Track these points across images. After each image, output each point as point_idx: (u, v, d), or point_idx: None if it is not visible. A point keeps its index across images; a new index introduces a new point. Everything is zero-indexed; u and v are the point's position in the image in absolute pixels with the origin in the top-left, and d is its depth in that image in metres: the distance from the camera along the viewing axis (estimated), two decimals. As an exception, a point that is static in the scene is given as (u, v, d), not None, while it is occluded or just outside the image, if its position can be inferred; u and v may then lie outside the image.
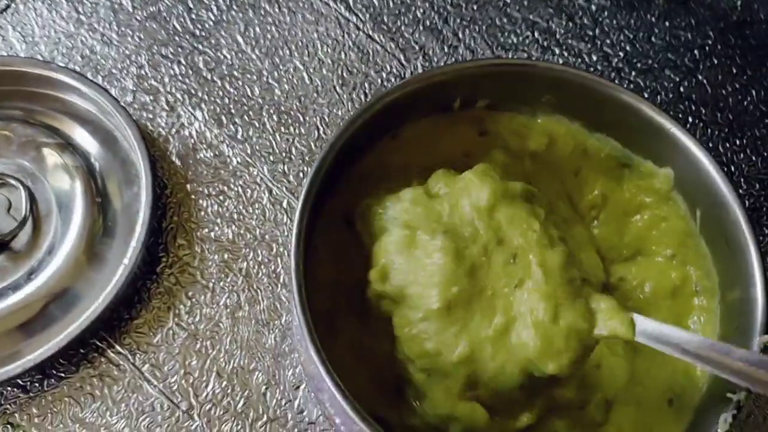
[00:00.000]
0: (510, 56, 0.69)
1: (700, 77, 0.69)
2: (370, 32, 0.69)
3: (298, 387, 0.54)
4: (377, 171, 0.51)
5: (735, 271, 0.45)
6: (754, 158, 0.65)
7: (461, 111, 0.54)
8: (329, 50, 0.68)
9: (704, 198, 0.48)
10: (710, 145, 0.65)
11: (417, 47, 0.69)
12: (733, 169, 0.65)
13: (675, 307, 0.49)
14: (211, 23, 0.69)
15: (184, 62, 0.67)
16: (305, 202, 0.44)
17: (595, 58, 0.69)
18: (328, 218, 0.49)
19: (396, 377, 0.46)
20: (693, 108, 0.67)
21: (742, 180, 0.64)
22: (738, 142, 0.66)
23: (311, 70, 0.67)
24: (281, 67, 0.67)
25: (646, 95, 0.67)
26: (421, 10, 0.70)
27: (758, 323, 0.42)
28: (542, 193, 0.49)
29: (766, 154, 0.65)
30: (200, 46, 0.67)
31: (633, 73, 0.68)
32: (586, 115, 0.52)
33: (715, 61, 0.69)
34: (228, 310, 0.57)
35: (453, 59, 0.68)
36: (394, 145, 0.53)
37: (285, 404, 0.54)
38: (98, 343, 0.55)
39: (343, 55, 0.68)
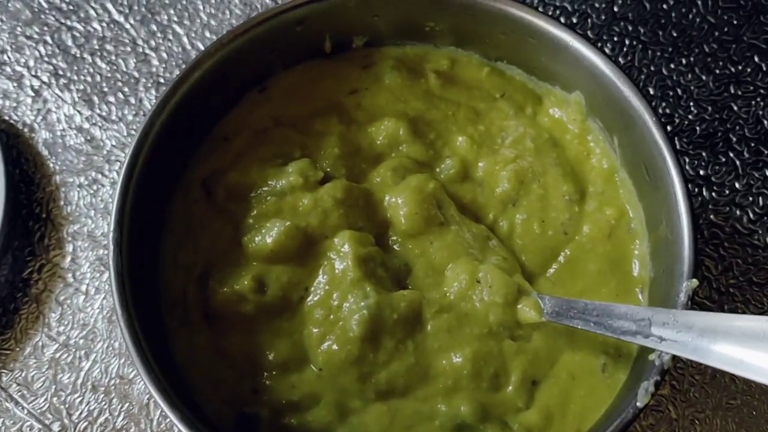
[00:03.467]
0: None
1: (636, -8, 0.60)
2: (258, -16, 0.61)
3: (185, 393, 0.47)
4: (243, 130, 0.44)
5: (659, 204, 0.37)
6: (704, 77, 0.56)
7: (337, 54, 0.46)
8: (212, 9, 0.60)
9: (618, 121, 0.40)
10: (652, 68, 0.56)
11: None
12: (680, 92, 0.56)
13: (613, 252, 0.41)
14: (80, -6, 0.61)
15: (50, 41, 0.59)
16: (131, 166, 0.37)
17: (514, -16, 0.60)
18: (185, 187, 0.42)
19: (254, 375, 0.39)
20: (630, 29, 0.58)
21: (691, 104, 0.55)
22: (684, 61, 0.57)
23: (192, 35, 0.59)
24: (158, 34, 0.59)
25: (574, 20, 0.58)
26: (316, -46, 0.62)
27: (685, 265, 0.34)
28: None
29: (717, 71, 0.56)
30: (68, 21, 0.60)
31: (558, -3, 0.59)
32: (481, 42, 0.44)
33: (653, -27, 0.60)
34: (104, 313, 0.50)
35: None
36: (262, 98, 0.45)
37: (171, 415, 0.47)
38: (-42, 365, 0.48)
39: (227, 14, 0.60)
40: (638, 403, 0.32)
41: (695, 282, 0.34)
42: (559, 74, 0.43)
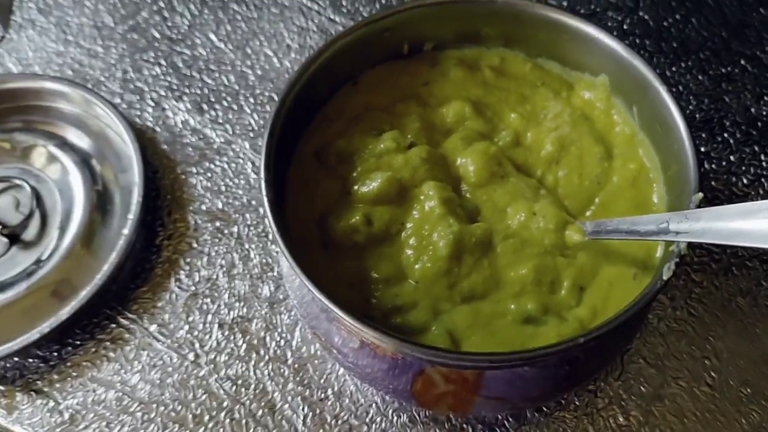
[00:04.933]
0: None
1: (641, 14, 0.73)
2: (331, 15, 0.75)
3: (294, 328, 0.58)
4: (342, 113, 0.56)
5: (670, 149, 0.49)
6: (700, 77, 0.69)
7: (411, 56, 0.59)
8: (295, 36, 0.74)
9: (637, 93, 0.52)
10: (657, 71, 0.69)
11: (376, 23, 0.74)
12: (681, 88, 0.69)
13: (637, 196, 0.53)
14: (186, 27, 0.75)
15: (164, 63, 0.73)
16: (270, 137, 0.49)
17: (540, 10, 0.74)
18: (300, 157, 0.54)
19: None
20: (638, 41, 0.72)
21: (691, 97, 0.68)
22: (683, 64, 0.70)
23: (280, 56, 0.73)
24: (252, 56, 0.73)
25: (592, 36, 0.71)
26: (376, -9, 0.77)
27: (692, 185, 0.46)
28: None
29: (711, 72, 0.69)
30: (177, 48, 0.74)
31: (577, 18, 0.73)
32: (525, 42, 0.57)
33: (653, -3, 0.74)
34: (224, 269, 0.61)
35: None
36: (355, 90, 0.58)
37: (284, 344, 0.58)
38: (108, 312, 0.60)
39: (308, 39, 0.74)
40: (663, 277, 0.43)
41: (700, 194, 0.45)
42: (587, 63, 0.55)
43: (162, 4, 0.77)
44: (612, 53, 0.53)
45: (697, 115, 0.67)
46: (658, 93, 0.50)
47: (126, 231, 0.60)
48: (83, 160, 0.66)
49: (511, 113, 0.56)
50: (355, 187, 0.52)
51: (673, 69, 0.70)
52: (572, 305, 0.49)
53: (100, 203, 0.64)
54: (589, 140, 0.55)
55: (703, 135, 0.66)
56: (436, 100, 0.57)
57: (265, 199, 0.46)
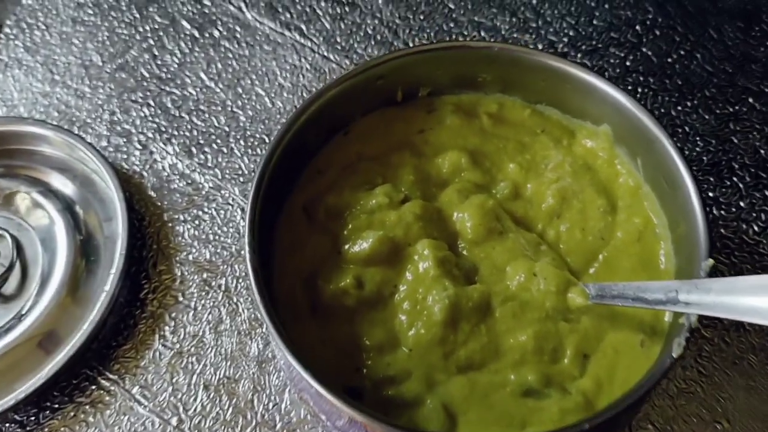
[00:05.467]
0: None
1: (644, 50, 0.71)
2: (325, 53, 0.73)
3: (283, 390, 0.55)
4: (333, 165, 0.54)
5: (678, 207, 0.47)
6: (707, 116, 0.67)
7: (406, 103, 0.56)
8: (288, 75, 0.72)
9: (641, 145, 0.50)
10: (662, 110, 0.67)
11: (370, 61, 0.72)
12: (687, 129, 0.66)
13: (643, 252, 0.50)
14: (176, 66, 0.73)
15: (152, 104, 0.71)
16: (256, 193, 0.47)
17: (540, 46, 0.72)
18: (288, 211, 0.52)
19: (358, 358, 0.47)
20: (641, 79, 0.69)
21: (698, 138, 0.65)
22: (689, 103, 0.67)
23: (273, 95, 0.70)
24: (244, 96, 0.71)
25: (594, 74, 0.69)
26: (372, 27, 0.74)
27: (702, 250, 0.43)
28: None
29: (718, 111, 0.67)
30: (167, 88, 0.71)
31: (579, 55, 0.71)
32: (523, 88, 0.55)
33: (658, 33, 0.71)
34: (210, 325, 0.59)
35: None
36: (347, 140, 0.55)
37: (272, 408, 0.55)
38: (89, 372, 0.57)
39: (301, 78, 0.72)
40: (673, 354, 0.40)
41: (711, 261, 0.42)
42: (589, 112, 0.53)
43: (152, 42, 0.75)
44: (615, 104, 0.50)
45: (705, 158, 0.64)
46: (664, 147, 0.47)
47: (107, 287, 0.58)
48: (67, 207, 0.64)
49: (509, 163, 0.54)
50: (346, 247, 0.49)
51: (678, 108, 0.67)
52: (576, 376, 0.46)
53: (84, 253, 0.62)
54: (591, 192, 0.52)
55: (711, 179, 0.63)
56: (431, 149, 0.55)
57: (249, 267, 0.44)
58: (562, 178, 0.53)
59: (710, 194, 0.62)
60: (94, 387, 0.57)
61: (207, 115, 0.69)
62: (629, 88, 0.68)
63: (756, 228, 0.61)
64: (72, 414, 0.56)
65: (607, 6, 0.74)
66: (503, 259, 0.49)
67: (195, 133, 0.69)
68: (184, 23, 0.75)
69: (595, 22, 0.73)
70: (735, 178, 0.63)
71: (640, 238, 0.50)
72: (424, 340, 0.46)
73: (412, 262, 0.48)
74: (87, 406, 0.56)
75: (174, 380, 0.57)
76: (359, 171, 0.53)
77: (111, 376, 0.57)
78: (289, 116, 0.50)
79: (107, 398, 0.56)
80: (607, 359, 0.46)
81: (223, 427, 0.54)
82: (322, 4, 0.76)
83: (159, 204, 0.65)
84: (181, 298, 0.60)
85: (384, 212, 0.50)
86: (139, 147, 0.68)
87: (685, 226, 0.46)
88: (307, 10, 0.75)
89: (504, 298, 0.48)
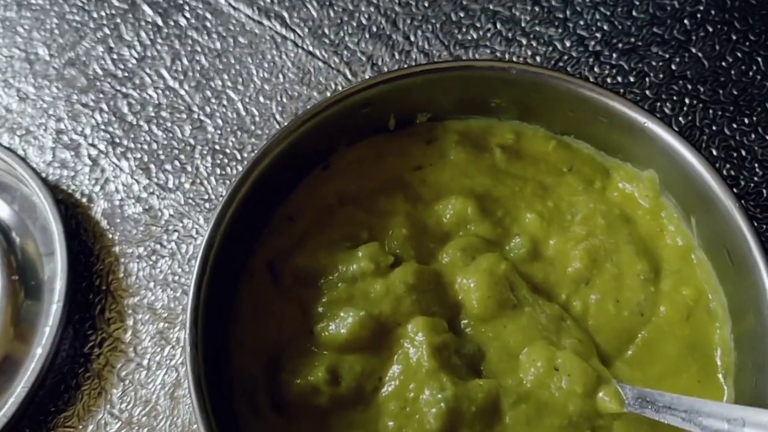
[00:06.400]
0: (471, 56, 0.60)
1: (693, 50, 0.59)
2: (310, 48, 0.61)
3: (250, 474, 0.47)
4: (307, 209, 0.44)
5: (745, 292, 0.36)
6: (768, 137, 0.55)
7: (400, 130, 0.46)
8: (265, 74, 0.60)
9: (698, 203, 0.39)
10: (714, 128, 0.55)
11: (364, 58, 0.61)
12: (744, 153, 0.55)
13: (693, 335, 0.40)
14: (134, 61, 0.62)
15: (106, 108, 0.60)
16: (206, 253, 0.37)
17: (568, 44, 0.60)
18: (251, 269, 0.42)
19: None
20: (689, 87, 0.57)
21: (756, 165, 0.54)
22: (747, 120, 0.56)
23: (247, 101, 0.59)
24: (213, 100, 0.60)
25: (632, 79, 0.57)
26: (366, 16, 0.62)
27: (779, 363, 0.33)
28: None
29: (782, 130, 0.55)
30: (123, 89, 0.61)
31: (614, 56, 0.59)
32: (547, 116, 0.44)
33: (710, 29, 0.59)
34: (166, 389, 0.49)
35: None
36: (326, 175, 0.45)
37: (235, 496, 0.46)
38: (22, 444, 0.48)
39: (281, 78, 0.60)
40: None
41: (793, 382, 0.33)
42: (631, 151, 0.42)
43: (107, 31, 0.63)
44: (666, 148, 0.39)
45: (765, 190, 0.53)
46: (730, 215, 0.36)
47: (43, 339, 0.49)
48: (5, 239, 0.54)
49: (527, 212, 0.43)
50: (319, 327, 0.39)
51: (733, 126, 0.55)
52: None
53: (22, 297, 0.53)
54: (629, 252, 0.42)
55: (772, 218, 0.52)
56: (430, 192, 0.44)
57: (190, 373, 0.34)
58: (592, 233, 0.42)
59: (770, 237, 0.51)
60: (28, 463, 0.48)
61: (169, 124, 0.59)
62: (674, 98, 0.56)
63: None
64: (2, 496, 0.47)
65: (649, -7, 0.61)
66: (517, 341, 0.39)
67: (154, 146, 0.58)
68: (146, 8, 0.64)
69: (634, 13, 0.61)
70: (801, 217, 0.52)
71: (689, 316, 0.40)
72: None
73: (402, 348, 0.39)
74: (20, 487, 0.47)
75: (122, 458, 0.48)
76: (339, 220, 0.43)
77: (48, 451, 0.48)
78: (252, 157, 0.40)
79: (43, 478, 0.48)
80: (645, 483, 0.37)
81: None
82: (309, -14, 0.64)
83: (110, 235, 0.55)
84: (132, 355, 0.51)
85: (368, 281, 0.40)
86: (89, 162, 0.58)
87: (754, 320, 0.35)
88: (291, -7, 0.64)
89: (516, 399, 0.38)
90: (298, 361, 0.39)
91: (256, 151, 0.41)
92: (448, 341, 0.39)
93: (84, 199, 0.56)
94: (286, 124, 0.42)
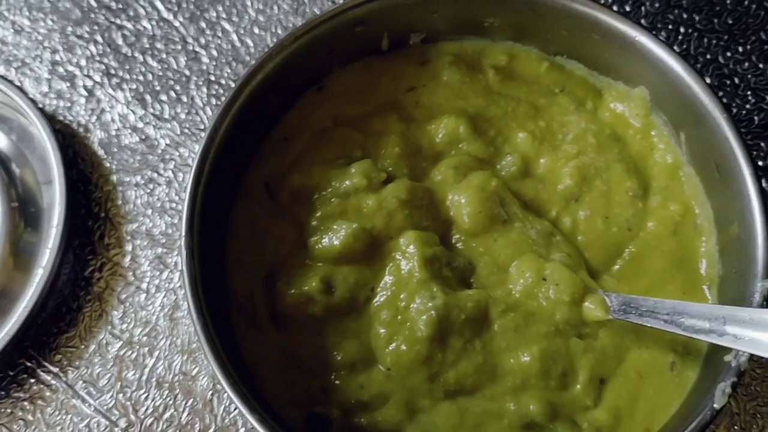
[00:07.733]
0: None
1: (690, -21, 0.58)
2: (306, -23, 0.61)
3: (247, 389, 0.48)
4: (303, 131, 0.44)
5: (730, 202, 0.37)
6: (761, 65, 0.55)
7: (394, 51, 0.46)
8: (260, 5, 0.60)
9: (687, 118, 0.39)
10: (708, 57, 0.55)
11: (359, -11, 0.60)
12: (737, 81, 0.55)
13: (680, 249, 0.41)
14: (129, -7, 0.61)
15: (101, 40, 0.60)
16: (198, 172, 0.38)
17: (564, -27, 0.59)
18: (247, 189, 0.42)
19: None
20: (684, 16, 0.57)
21: (749, 93, 0.54)
22: (741, 49, 0.56)
23: (242, 32, 0.59)
24: (208, 31, 0.59)
25: (627, 8, 0.57)
26: (361, -53, 0.62)
27: (759, 266, 0.34)
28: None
29: (776, 59, 0.55)
30: (118, 20, 0.60)
31: (610, -15, 0.58)
32: (540, 36, 0.44)
33: (707, -42, 0.59)
34: (165, 311, 0.51)
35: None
36: (320, 98, 0.45)
37: (234, 410, 0.48)
38: (27, 363, 0.50)
39: (276, 9, 0.60)
40: (715, 405, 0.32)
41: (772, 283, 0.33)
42: (623, 69, 0.42)
43: (101, -38, 0.63)
44: (657, 63, 0.39)
45: (756, 117, 0.54)
46: (718, 125, 0.37)
47: (44, 260, 0.50)
48: (4, 169, 0.55)
49: (519, 131, 0.44)
50: (313, 239, 0.40)
51: (727, 54, 0.56)
52: (589, 406, 0.38)
53: (22, 224, 0.53)
54: (619, 170, 0.42)
55: (762, 144, 0.53)
56: (423, 113, 0.45)
57: (186, 277, 0.35)
58: (583, 151, 0.43)
59: (759, 163, 0.52)
60: (33, 380, 0.49)
61: (164, 55, 0.59)
62: (669, 27, 0.56)
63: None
64: (9, 411, 0.49)
65: None
66: (506, 254, 0.40)
67: (150, 77, 0.58)
68: (139, -61, 0.63)
69: (631, -58, 0.60)
70: (791, 143, 0.53)
71: (676, 231, 0.41)
72: (406, 358, 0.38)
73: (394, 260, 0.39)
74: (25, 402, 0.49)
75: (123, 375, 0.49)
76: (334, 140, 0.43)
77: (52, 369, 0.50)
78: (243, 73, 0.40)
79: (48, 393, 0.49)
80: (628, 385, 0.38)
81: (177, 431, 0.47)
82: None
83: (107, 164, 0.55)
84: (131, 278, 0.52)
85: (361, 196, 0.40)
86: (85, 93, 0.58)
87: (738, 228, 0.36)
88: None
89: (505, 308, 0.39)
90: (293, 273, 0.40)
91: (248, 68, 0.41)
92: (439, 254, 0.40)
93: (81, 129, 0.57)
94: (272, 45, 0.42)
